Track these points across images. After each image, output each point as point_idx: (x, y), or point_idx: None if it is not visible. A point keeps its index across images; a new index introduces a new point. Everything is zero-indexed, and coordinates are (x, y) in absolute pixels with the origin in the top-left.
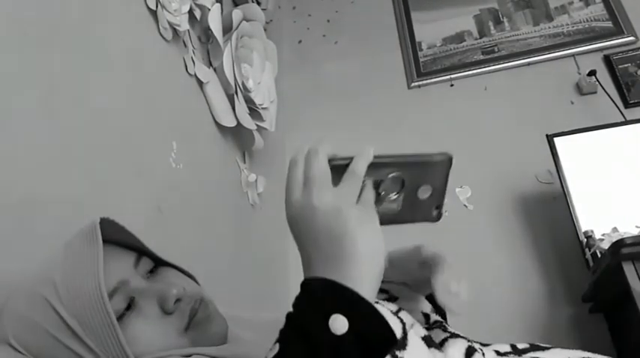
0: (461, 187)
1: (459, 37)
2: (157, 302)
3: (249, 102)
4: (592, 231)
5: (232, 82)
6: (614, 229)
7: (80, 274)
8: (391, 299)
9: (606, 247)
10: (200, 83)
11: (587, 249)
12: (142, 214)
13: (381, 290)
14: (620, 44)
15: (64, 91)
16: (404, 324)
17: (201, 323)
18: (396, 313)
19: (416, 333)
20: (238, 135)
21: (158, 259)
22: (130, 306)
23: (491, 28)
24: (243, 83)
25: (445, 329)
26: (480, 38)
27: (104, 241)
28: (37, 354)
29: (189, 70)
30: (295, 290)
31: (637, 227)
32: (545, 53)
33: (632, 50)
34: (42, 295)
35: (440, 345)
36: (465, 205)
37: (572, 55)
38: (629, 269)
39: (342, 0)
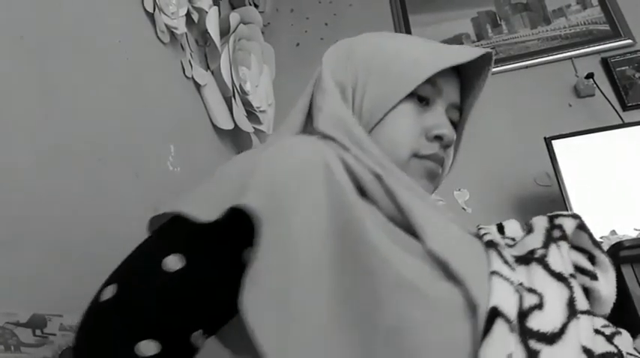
0: (459, 190)
1: (457, 40)
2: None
3: (247, 105)
4: None
5: (230, 85)
6: (613, 232)
7: None
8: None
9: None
10: (198, 86)
11: None
12: (140, 217)
13: None
14: (618, 47)
15: (62, 94)
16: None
17: (431, 174)
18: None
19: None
20: (236, 138)
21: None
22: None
23: (489, 31)
24: (240, 86)
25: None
26: (478, 41)
27: None
28: None
29: (186, 72)
30: None
31: (635, 230)
32: (542, 56)
33: (630, 53)
34: None
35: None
36: (463, 208)
37: (570, 57)
38: (627, 272)
39: (340, 3)
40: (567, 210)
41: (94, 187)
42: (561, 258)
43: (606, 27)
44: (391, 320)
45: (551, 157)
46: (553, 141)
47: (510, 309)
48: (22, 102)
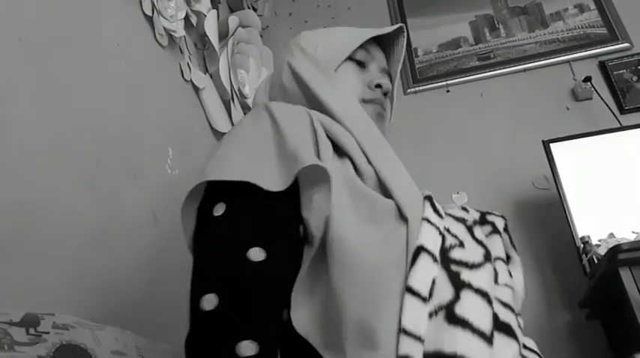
0: (457, 193)
1: (455, 44)
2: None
3: (246, 108)
4: (588, 237)
5: (228, 88)
6: (611, 235)
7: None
8: None
9: (603, 253)
10: (196, 89)
11: (584, 255)
12: (138, 219)
13: None
14: (615, 50)
15: (60, 96)
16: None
17: (379, 115)
18: None
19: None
20: None
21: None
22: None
23: (487, 34)
24: (239, 89)
25: None
26: (476, 44)
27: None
28: None
29: (185, 75)
30: None
31: (633, 232)
32: (540, 59)
33: (627, 56)
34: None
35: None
36: None
37: (568, 61)
38: (625, 275)
39: (339, 7)
40: (566, 213)
41: (92, 189)
42: (484, 238)
43: (604, 30)
44: (338, 247)
45: (549, 160)
46: (551, 144)
47: (433, 247)
48: (20, 105)
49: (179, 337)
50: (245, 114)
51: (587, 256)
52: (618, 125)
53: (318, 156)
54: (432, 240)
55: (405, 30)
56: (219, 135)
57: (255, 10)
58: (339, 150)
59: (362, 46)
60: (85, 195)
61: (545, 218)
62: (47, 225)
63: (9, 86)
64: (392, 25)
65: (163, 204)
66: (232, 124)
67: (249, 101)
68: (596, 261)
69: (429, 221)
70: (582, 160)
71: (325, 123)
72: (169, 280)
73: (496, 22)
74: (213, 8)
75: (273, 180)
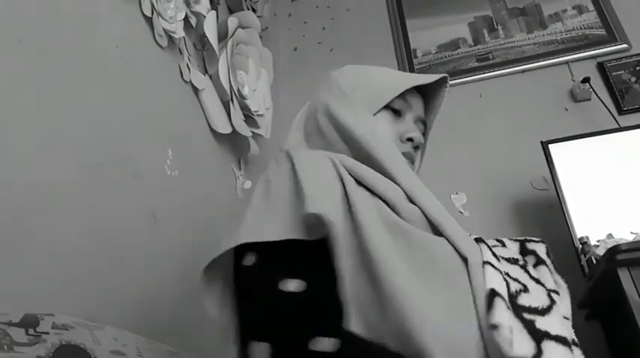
0: (456, 194)
1: (454, 45)
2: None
3: (245, 109)
4: (587, 238)
5: (228, 89)
6: (609, 235)
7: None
8: None
9: (601, 253)
10: (195, 90)
11: (582, 256)
12: (137, 220)
13: None
14: (614, 51)
15: (59, 98)
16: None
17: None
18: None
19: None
20: (234, 142)
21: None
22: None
23: (486, 35)
24: (238, 90)
25: None
26: (475, 45)
27: None
28: None
29: (184, 77)
30: None
31: (632, 233)
32: (539, 60)
33: (626, 57)
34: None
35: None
36: (460, 212)
37: (566, 62)
38: (624, 275)
39: (338, 8)
40: (565, 214)
41: (92, 189)
42: (537, 275)
43: (602, 31)
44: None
45: (547, 161)
46: (550, 145)
47: (503, 292)
48: (20, 106)
49: (178, 336)
50: (245, 115)
51: (585, 257)
52: (617, 126)
53: (348, 197)
54: (498, 285)
55: (447, 80)
56: (218, 135)
57: (254, 11)
58: (370, 191)
59: (400, 94)
60: (84, 195)
61: (543, 219)
62: (46, 225)
63: (9, 87)
64: (391, 26)
65: (162, 205)
66: (232, 125)
67: (249, 102)
68: (594, 262)
69: (491, 265)
70: (581, 161)
71: (350, 165)
72: (168, 280)
73: (495, 23)
74: (213, 9)
75: (276, 233)
